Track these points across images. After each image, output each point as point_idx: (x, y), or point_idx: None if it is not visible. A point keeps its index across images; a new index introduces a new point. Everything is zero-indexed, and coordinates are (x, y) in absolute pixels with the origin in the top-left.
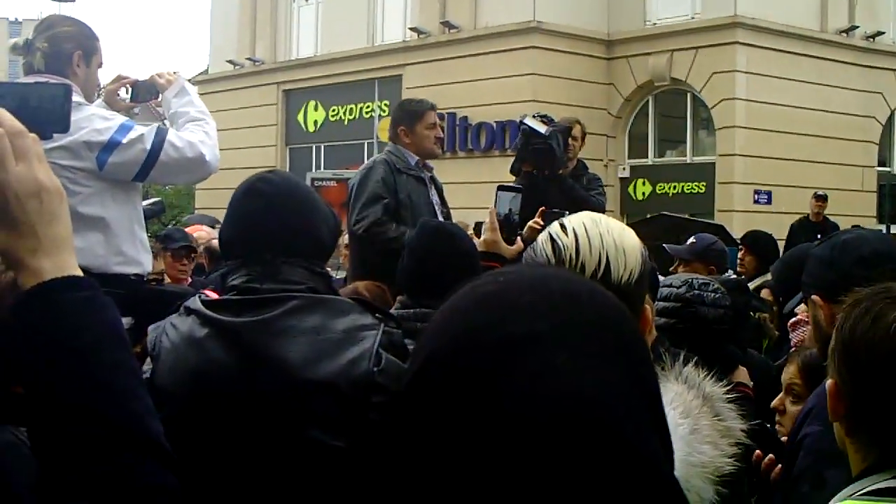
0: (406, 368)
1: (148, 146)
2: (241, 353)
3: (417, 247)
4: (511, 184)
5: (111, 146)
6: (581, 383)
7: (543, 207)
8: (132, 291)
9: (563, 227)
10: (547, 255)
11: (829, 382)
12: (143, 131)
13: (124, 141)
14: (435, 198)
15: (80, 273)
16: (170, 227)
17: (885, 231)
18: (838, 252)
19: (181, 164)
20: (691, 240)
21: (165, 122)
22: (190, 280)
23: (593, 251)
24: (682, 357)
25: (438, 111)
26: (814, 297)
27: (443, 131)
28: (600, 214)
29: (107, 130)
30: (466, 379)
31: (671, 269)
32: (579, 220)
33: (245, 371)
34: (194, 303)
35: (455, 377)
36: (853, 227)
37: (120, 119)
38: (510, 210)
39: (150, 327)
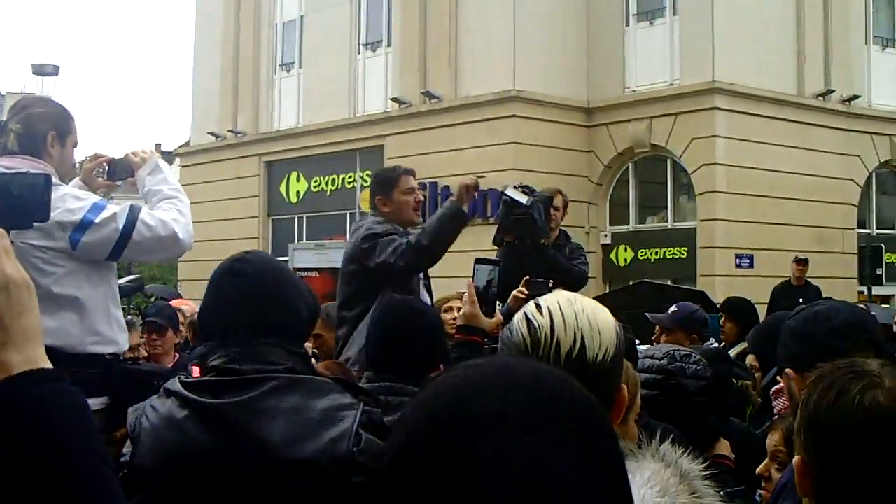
0: (384, 447)
1: (121, 225)
2: (221, 434)
3: (382, 323)
4: (488, 257)
5: (84, 226)
6: (544, 464)
7: (528, 277)
8: (107, 371)
9: (538, 306)
10: (523, 335)
11: (795, 459)
12: (116, 210)
13: (97, 220)
14: None
15: (48, 365)
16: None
17: (866, 292)
18: (810, 325)
19: (154, 243)
20: (673, 308)
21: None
22: (177, 356)
23: (568, 330)
24: (658, 433)
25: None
26: (787, 370)
27: (423, 196)
28: (575, 294)
29: (79, 210)
30: (439, 458)
31: (653, 337)
32: (554, 300)
33: (226, 452)
34: (174, 384)
35: (429, 456)
36: (825, 298)
37: (93, 198)
38: (488, 283)
39: (130, 409)
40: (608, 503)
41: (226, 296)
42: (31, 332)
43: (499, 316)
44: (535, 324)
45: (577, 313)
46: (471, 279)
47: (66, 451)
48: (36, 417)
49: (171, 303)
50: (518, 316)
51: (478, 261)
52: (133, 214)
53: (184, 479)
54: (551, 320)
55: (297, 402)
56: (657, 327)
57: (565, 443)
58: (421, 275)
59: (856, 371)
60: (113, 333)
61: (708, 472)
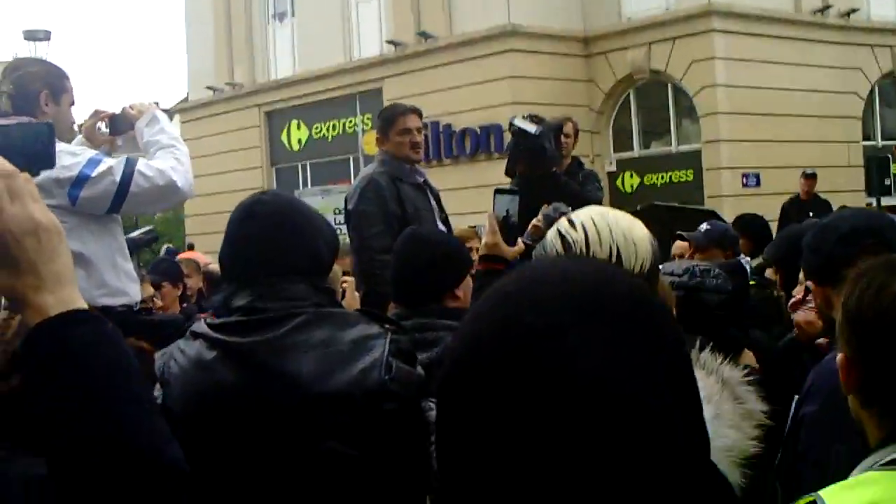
0: (423, 374)
1: (118, 178)
2: (251, 373)
3: (397, 255)
4: (507, 186)
5: (81, 181)
6: (607, 371)
7: (546, 205)
8: (120, 323)
9: (571, 222)
10: (557, 251)
11: (839, 357)
12: (112, 163)
13: (93, 175)
14: (433, 203)
15: (84, 306)
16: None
17: (874, 204)
18: (819, 237)
19: (153, 193)
20: (705, 226)
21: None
22: (184, 306)
23: (603, 244)
24: (698, 343)
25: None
26: (808, 283)
27: (419, 134)
28: (607, 208)
29: (75, 166)
30: (497, 372)
31: (686, 255)
32: (587, 215)
33: (257, 390)
34: (200, 326)
35: (485, 372)
36: (840, 207)
37: (88, 153)
38: (508, 212)
39: (157, 354)
40: (679, 406)
41: (245, 238)
42: (65, 274)
43: (520, 244)
44: (570, 239)
45: (612, 226)
46: (491, 209)
47: (106, 392)
48: (74, 358)
49: (182, 255)
50: (551, 232)
51: (497, 190)
52: (130, 166)
53: (217, 420)
54: (586, 235)
55: (326, 336)
56: (678, 248)
57: (627, 344)
58: (436, 206)
59: (894, 266)
60: (122, 285)
61: (747, 380)
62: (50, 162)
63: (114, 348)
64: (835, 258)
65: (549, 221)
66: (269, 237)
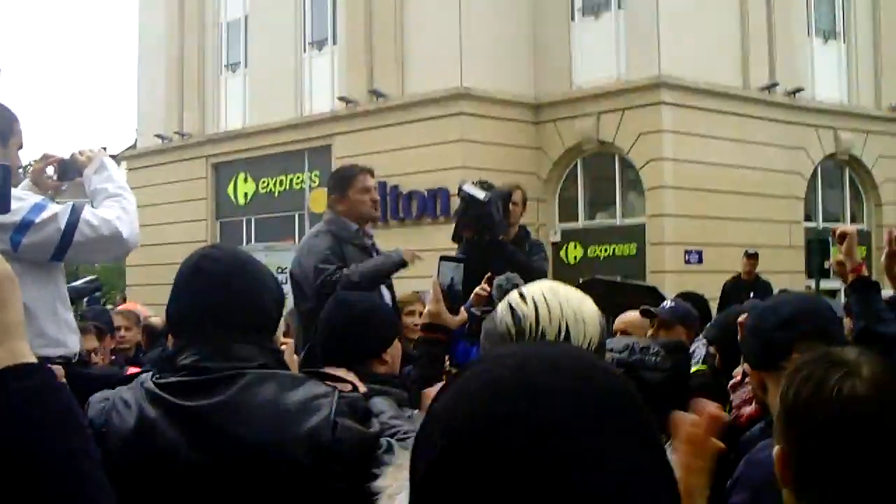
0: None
1: (62, 225)
2: (196, 436)
3: (325, 318)
4: (453, 255)
5: (24, 226)
6: (610, 468)
7: (490, 274)
8: None
9: (522, 296)
10: (507, 325)
11: (775, 450)
12: (58, 210)
13: (37, 221)
14: None
15: (32, 359)
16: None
17: (814, 286)
18: (759, 320)
19: (98, 243)
20: (669, 303)
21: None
22: (113, 357)
23: (553, 321)
24: None
25: None
26: (745, 365)
27: (376, 193)
28: (558, 283)
29: (19, 210)
30: (495, 465)
31: (651, 331)
32: (539, 290)
33: (202, 453)
34: (147, 383)
35: (482, 465)
36: (781, 291)
37: (34, 198)
38: (452, 280)
39: (97, 397)
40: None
41: (193, 293)
42: (14, 326)
43: (463, 314)
44: (520, 314)
45: (562, 303)
46: (435, 276)
47: (49, 449)
48: (18, 414)
49: (121, 306)
50: (501, 306)
51: (443, 258)
52: (75, 214)
53: (160, 481)
54: (536, 310)
55: (271, 396)
56: (623, 323)
57: (626, 441)
58: None
59: (833, 361)
60: (62, 335)
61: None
62: (5, 206)
63: (59, 403)
64: (772, 343)
65: (502, 292)
66: (218, 294)
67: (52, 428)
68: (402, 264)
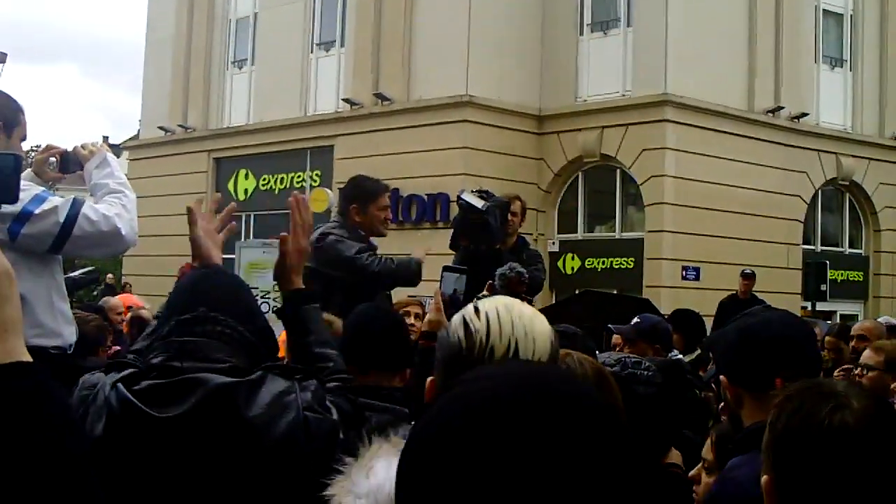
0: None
1: (62, 218)
2: (164, 450)
3: (356, 322)
4: (456, 265)
5: (24, 217)
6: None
7: (491, 281)
8: (51, 365)
9: (476, 310)
10: (459, 338)
11: (764, 479)
12: (58, 203)
13: (37, 212)
14: None
15: (27, 358)
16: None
17: (810, 308)
18: (742, 337)
19: (96, 238)
20: (635, 319)
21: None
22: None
23: (503, 337)
24: None
25: None
26: (721, 377)
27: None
28: (514, 300)
29: (20, 201)
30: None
31: (618, 347)
32: (493, 305)
33: (169, 467)
34: (120, 387)
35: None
36: (763, 307)
37: (34, 190)
38: (455, 290)
39: (84, 384)
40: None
41: (196, 292)
42: (12, 323)
43: None
44: (472, 328)
45: (514, 320)
46: (439, 286)
47: (41, 450)
48: (13, 413)
49: (120, 297)
50: (456, 318)
51: (445, 268)
52: (75, 208)
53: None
54: (487, 325)
55: (239, 403)
56: (612, 338)
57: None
58: None
59: (823, 392)
60: (57, 326)
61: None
62: (14, 196)
63: (53, 404)
64: (753, 362)
65: (505, 280)
66: (223, 298)
67: (44, 428)
68: (416, 277)
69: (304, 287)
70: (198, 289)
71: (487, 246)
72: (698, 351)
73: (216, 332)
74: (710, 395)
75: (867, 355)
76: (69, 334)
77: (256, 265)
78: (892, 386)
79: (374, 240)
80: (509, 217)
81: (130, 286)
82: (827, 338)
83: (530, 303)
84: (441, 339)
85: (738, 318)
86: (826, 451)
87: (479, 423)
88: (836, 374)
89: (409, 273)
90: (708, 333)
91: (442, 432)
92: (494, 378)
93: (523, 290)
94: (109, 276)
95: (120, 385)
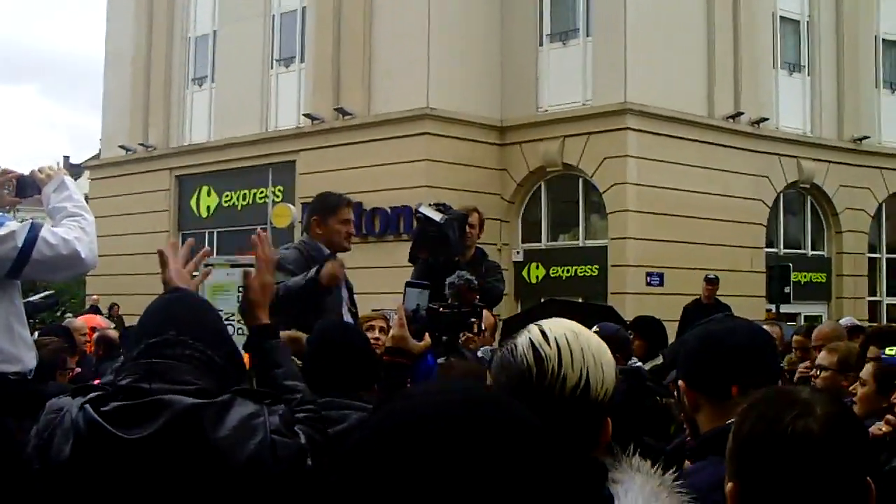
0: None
1: (20, 243)
2: (131, 472)
3: (319, 344)
4: (418, 280)
5: None
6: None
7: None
8: (10, 391)
9: (544, 335)
10: (528, 363)
11: (728, 486)
12: (15, 228)
13: None
14: (344, 293)
15: None
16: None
17: (774, 310)
18: (702, 344)
19: (55, 262)
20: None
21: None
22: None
23: (575, 366)
24: (631, 447)
25: None
26: (679, 382)
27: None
28: (575, 324)
29: None
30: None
31: None
32: (561, 331)
33: (140, 489)
34: (88, 409)
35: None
36: (726, 315)
37: None
38: (418, 305)
39: (50, 407)
40: None
41: (169, 314)
42: None
43: (427, 339)
44: (543, 353)
45: (584, 349)
46: (401, 301)
47: None
48: None
49: (82, 317)
50: (523, 340)
51: (408, 283)
52: (34, 232)
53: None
54: (559, 353)
55: (205, 428)
56: None
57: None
58: (347, 298)
59: (787, 399)
60: (17, 351)
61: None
62: None
63: None
64: (712, 369)
65: (455, 288)
66: (192, 318)
67: None
68: (314, 283)
69: (268, 322)
70: (168, 312)
71: (446, 258)
72: (660, 358)
73: (185, 355)
74: (671, 401)
75: (822, 356)
76: (29, 359)
77: (220, 287)
78: (848, 386)
79: (343, 255)
80: (467, 229)
81: (118, 307)
82: (795, 337)
83: (481, 311)
84: (505, 360)
85: (700, 324)
86: (790, 458)
87: (391, 439)
88: (800, 368)
89: (307, 279)
90: (672, 339)
91: (359, 445)
92: (426, 396)
93: (474, 297)
94: (94, 296)
95: (87, 406)
